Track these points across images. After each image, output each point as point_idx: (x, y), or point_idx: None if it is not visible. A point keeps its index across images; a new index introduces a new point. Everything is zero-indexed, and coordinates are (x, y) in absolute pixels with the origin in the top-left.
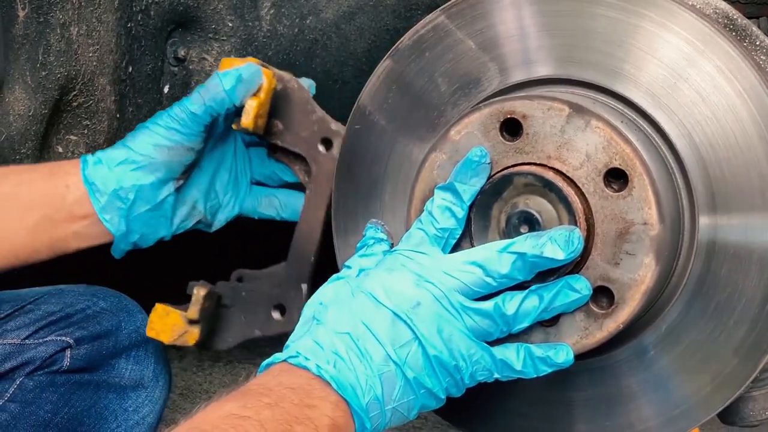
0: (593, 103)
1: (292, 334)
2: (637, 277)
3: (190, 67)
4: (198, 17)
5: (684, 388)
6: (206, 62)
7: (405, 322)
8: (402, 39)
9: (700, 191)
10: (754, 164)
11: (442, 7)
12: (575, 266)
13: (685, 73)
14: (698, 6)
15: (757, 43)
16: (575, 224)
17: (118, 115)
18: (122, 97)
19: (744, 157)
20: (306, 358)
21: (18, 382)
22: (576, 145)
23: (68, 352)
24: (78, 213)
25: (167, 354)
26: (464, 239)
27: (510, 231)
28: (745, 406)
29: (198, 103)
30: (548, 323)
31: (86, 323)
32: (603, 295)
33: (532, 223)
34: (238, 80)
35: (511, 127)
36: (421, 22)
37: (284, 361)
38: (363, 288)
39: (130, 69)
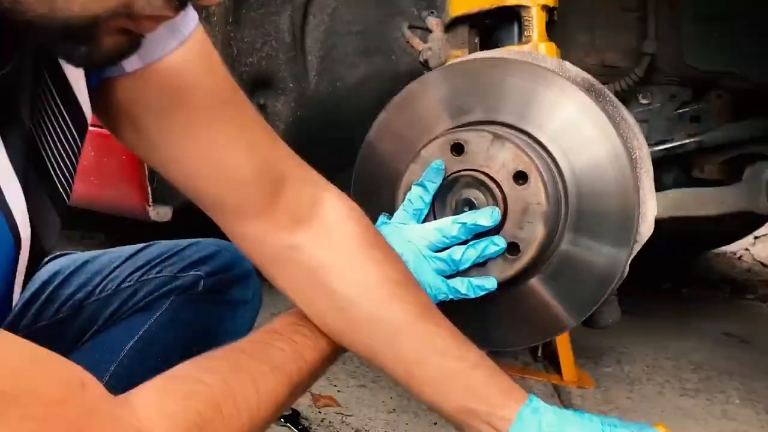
0: (507, 134)
1: None
2: (534, 236)
3: (267, 110)
4: (272, 80)
5: (562, 304)
6: (276, 107)
7: None
8: (392, 99)
9: (569, 185)
10: (601, 170)
11: (416, 80)
12: (496, 230)
13: (563, 116)
14: (572, 76)
15: (608, 98)
16: (496, 205)
17: None
18: None
19: (595, 168)
20: None
21: (171, 299)
22: (496, 157)
23: (201, 282)
24: None
25: (261, 283)
26: (430, 216)
27: (458, 210)
28: (599, 316)
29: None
30: (481, 265)
31: (212, 261)
32: (513, 248)
33: (471, 204)
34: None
35: (458, 148)
36: (403, 89)
37: None
38: None
39: None
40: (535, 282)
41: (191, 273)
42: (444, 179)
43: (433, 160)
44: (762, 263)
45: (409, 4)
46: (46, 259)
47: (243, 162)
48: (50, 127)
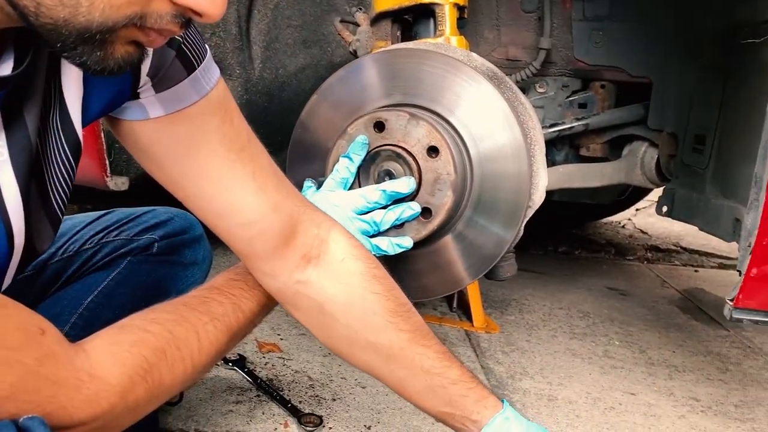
0: (422, 114)
1: None
2: (444, 201)
3: None
4: (221, 66)
5: (465, 261)
6: None
7: None
8: (323, 84)
9: (474, 160)
10: (501, 150)
11: (343, 67)
12: (412, 197)
13: (469, 100)
14: (478, 65)
15: (508, 85)
16: (413, 176)
17: None
18: None
19: (497, 148)
20: None
21: (128, 259)
22: (413, 134)
23: (156, 244)
24: None
25: (212, 246)
26: (355, 184)
27: (380, 180)
28: (498, 270)
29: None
30: (399, 227)
31: (165, 226)
32: (426, 212)
33: (391, 174)
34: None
35: (379, 126)
36: (332, 75)
37: None
38: None
39: None
40: (445, 242)
41: (146, 236)
42: (367, 153)
43: (358, 135)
44: (641, 230)
45: (342, 2)
46: None
47: (255, 206)
48: (52, 149)
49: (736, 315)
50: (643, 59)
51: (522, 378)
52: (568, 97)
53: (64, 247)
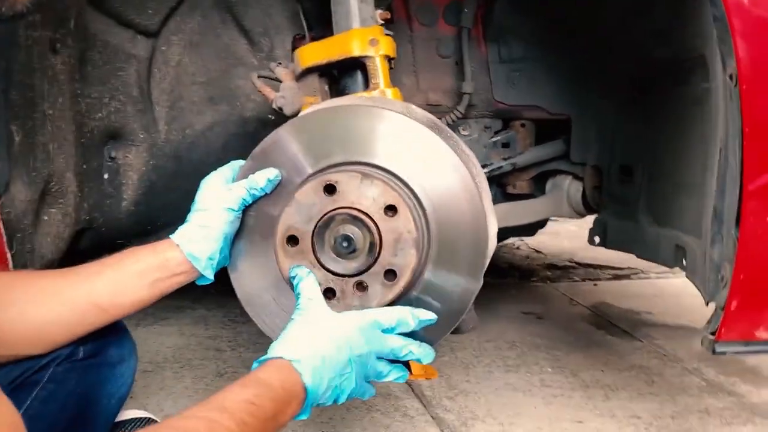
0: (373, 172)
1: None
2: (408, 261)
3: (119, 162)
4: (123, 133)
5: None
6: (128, 159)
7: None
8: (256, 148)
9: (429, 215)
10: (455, 200)
11: (279, 128)
12: (374, 260)
13: (417, 154)
14: (419, 117)
15: (449, 134)
16: (372, 238)
17: (79, 193)
18: (80, 183)
19: (450, 199)
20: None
21: (52, 369)
22: (367, 194)
23: (81, 348)
24: (179, 271)
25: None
26: (305, 246)
27: (337, 246)
28: (462, 323)
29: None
30: (362, 290)
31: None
32: (390, 273)
33: (349, 239)
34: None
35: (330, 189)
36: (268, 136)
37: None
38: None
39: (84, 166)
40: (407, 302)
41: (71, 344)
42: (319, 219)
43: (309, 201)
44: (535, 250)
45: (249, 56)
46: None
47: None
48: None
49: (720, 348)
50: (561, 97)
51: (474, 423)
52: (491, 138)
53: None
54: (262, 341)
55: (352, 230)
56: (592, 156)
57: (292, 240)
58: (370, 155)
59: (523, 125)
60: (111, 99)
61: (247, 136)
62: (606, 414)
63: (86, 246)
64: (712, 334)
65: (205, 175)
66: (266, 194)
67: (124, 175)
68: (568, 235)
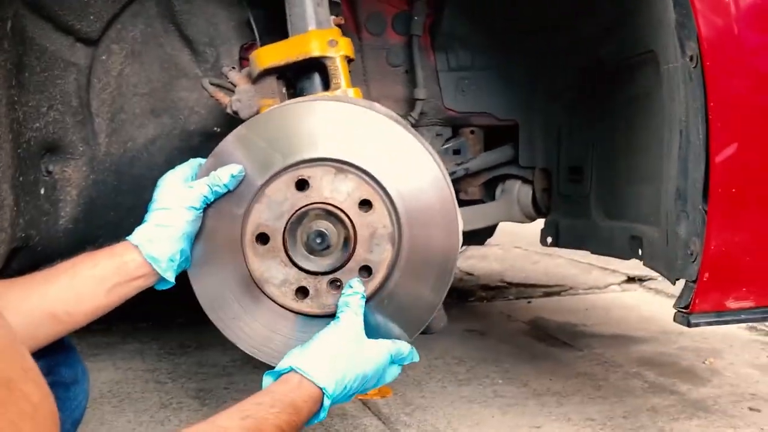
0: (347, 167)
1: None
2: (383, 257)
3: (56, 176)
4: (61, 145)
5: (405, 314)
6: (66, 173)
7: None
8: (218, 146)
9: (400, 210)
10: (424, 196)
11: (243, 123)
12: (349, 256)
13: (388, 150)
14: (383, 113)
15: (413, 132)
16: (347, 233)
17: (15, 207)
18: (17, 196)
19: (419, 188)
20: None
21: None
22: (341, 188)
23: None
24: (138, 275)
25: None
26: (276, 244)
27: (310, 242)
28: (431, 321)
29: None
30: (336, 288)
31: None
32: (365, 270)
33: (323, 235)
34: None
35: (301, 184)
36: (230, 134)
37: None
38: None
39: (21, 178)
40: (379, 299)
41: None
42: (291, 215)
43: (279, 197)
44: (467, 272)
45: (193, 67)
46: None
47: None
48: None
49: (695, 320)
50: (509, 103)
51: None
52: (443, 145)
53: None
54: (203, 371)
55: (326, 226)
56: (540, 159)
57: (262, 238)
58: (338, 150)
59: (472, 132)
60: (49, 108)
61: (191, 150)
62: (562, 418)
63: (20, 266)
64: (685, 308)
65: (147, 191)
66: (229, 192)
67: (62, 191)
68: (495, 258)
